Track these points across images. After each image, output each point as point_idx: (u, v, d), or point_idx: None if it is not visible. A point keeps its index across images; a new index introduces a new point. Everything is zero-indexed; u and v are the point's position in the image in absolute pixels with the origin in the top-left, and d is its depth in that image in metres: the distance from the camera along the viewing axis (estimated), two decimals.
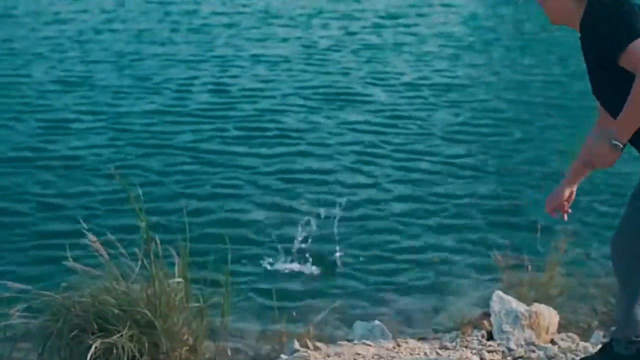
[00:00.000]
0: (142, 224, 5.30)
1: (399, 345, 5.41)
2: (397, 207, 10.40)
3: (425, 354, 5.28)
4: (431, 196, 10.68)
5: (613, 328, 4.59)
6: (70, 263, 5.81)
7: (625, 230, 4.21)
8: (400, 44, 18.43)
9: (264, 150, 12.13)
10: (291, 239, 9.32)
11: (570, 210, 4.54)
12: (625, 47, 3.64)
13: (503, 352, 5.38)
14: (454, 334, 5.85)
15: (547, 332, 5.77)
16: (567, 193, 4.59)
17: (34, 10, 20.10)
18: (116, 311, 5.18)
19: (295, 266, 8.83)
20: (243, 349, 6.07)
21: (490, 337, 5.68)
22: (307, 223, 9.72)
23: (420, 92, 15.00)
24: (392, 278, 8.66)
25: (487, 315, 5.90)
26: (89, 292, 5.36)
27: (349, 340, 5.66)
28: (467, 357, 5.17)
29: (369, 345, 5.35)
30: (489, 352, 5.34)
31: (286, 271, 8.75)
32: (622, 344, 4.31)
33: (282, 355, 5.39)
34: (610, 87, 3.93)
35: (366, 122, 13.37)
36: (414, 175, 11.31)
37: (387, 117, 13.60)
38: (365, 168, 11.55)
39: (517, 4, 20.69)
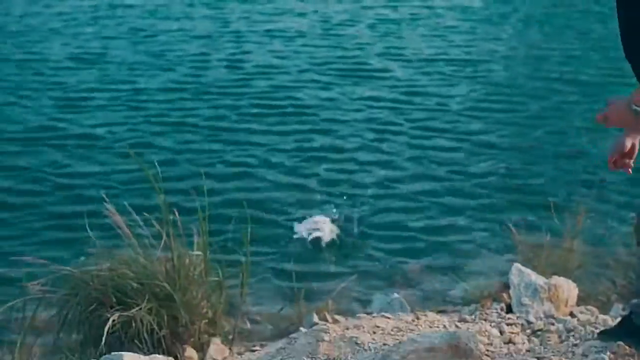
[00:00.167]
0: (161, 197, 5.28)
1: (418, 318, 5.40)
2: (414, 182, 10.37)
3: (445, 326, 5.27)
4: (448, 172, 10.64)
5: (633, 301, 4.54)
6: (90, 235, 5.83)
7: None
8: (416, 18, 18.33)
9: (279, 127, 12.10)
10: (308, 215, 9.33)
11: (632, 165, 4.23)
12: None
13: (522, 324, 5.36)
14: (472, 306, 5.84)
15: (566, 305, 5.74)
16: (628, 144, 4.13)
17: None
18: (135, 284, 5.18)
19: (314, 239, 8.83)
20: (262, 322, 6.08)
21: (509, 310, 5.67)
22: (325, 199, 9.72)
23: (436, 67, 14.93)
24: (409, 252, 8.66)
25: (506, 288, 5.88)
26: (108, 266, 5.36)
27: (367, 314, 5.66)
28: (486, 330, 5.15)
29: (388, 318, 5.34)
30: (508, 324, 5.32)
31: (304, 246, 8.76)
32: None
33: (301, 328, 5.40)
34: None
35: (382, 98, 13.31)
36: (431, 151, 11.27)
37: (403, 93, 13.54)
38: (382, 144, 11.51)
39: None
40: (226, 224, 8.31)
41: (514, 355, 4.75)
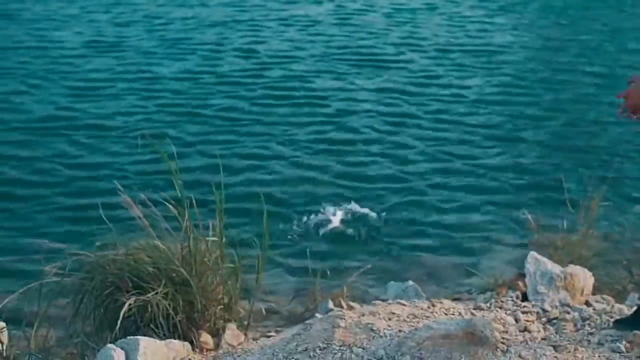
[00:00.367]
0: (178, 181, 5.29)
1: (433, 305, 5.40)
2: (429, 173, 10.37)
3: (460, 314, 5.26)
4: (463, 162, 10.62)
5: None
6: (104, 222, 5.84)
7: None
8: (433, 7, 18.29)
9: (293, 117, 12.09)
10: (323, 204, 9.33)
11: None
12: None
13: (538, 313, 5.36)
14: (488, 294, 5.84)
15: (581, 294, 5.74)
16: None
17: None
18: (151, 269, 5.18)
19: (328, 228, 8.84)
20: (277, 308, 6.09)
21: (524, 298, 5.67)
22: (339, 188, 9.72)
23: (452, 57, 14.89)
24: (424, 240, 8.67)
25: (521, 276, 5.87)
26: (124, 251, 5.37)
27: (383, 301, 5.66)
28: (501, 318, 5.15)
29: (404, 305, 5.34)
30: (523, 313, 5.32)
31: (319, 233, 8.77)
32: None
33: (317, 315, 5.40)
34: None
35: (396, 88, 13.29)
36: (445, 142, 11.25)
37: (418, 83, 13.51)
38: (396, 135, 11.50)
39: None
40: (242, 211, 8.34)
41: (530, 343, 4.75)
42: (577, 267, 5.86)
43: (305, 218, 9.07)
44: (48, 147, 11.03)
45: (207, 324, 5.31)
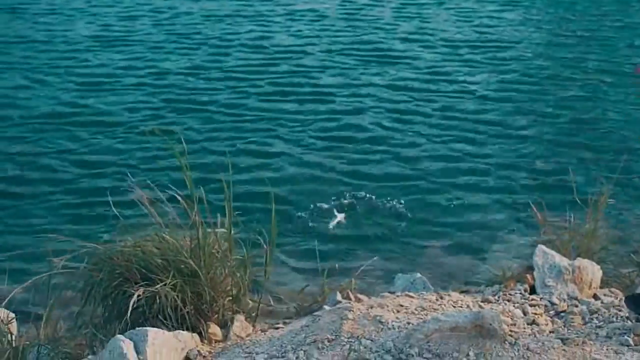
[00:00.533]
0: (187, 173, 5.30)
1: (441, 298, 5.40)
2: (436, 167, 10.37)
3: (468, 306, 5.27)
4: (470, 157, 10.62)
5: None
6: (113, 214, 5.87)
7: None
8: (440, 1, 18.26)
9: (300, 111, 12.09)
10: (330, 197, 9.34)
11: None
12: None
13: (546, 306, 5.35)
14: (496, 287, 5.83)
15: (590, 287, 5.73)
16: None
17: None
18: (159, 261, 5.19)
19: (336, 222, 8.85)
20: (285, 300, 6.09)
21: (532, 291, 5.66)
22: (347, 181, 9.73)
23: (460, 51, 14.87)
24: (432, 233, 8.68)
25: (529, 269, 5.86)
26: (132, 242, 5.38)
27: (391, 293, 5.66)
28: (509, 311, 5.15)
29: (412, 297, 5.35)
30: (531, 305, 5.32)
31: (327, 226, 8.78)
32: None
33: (325, 306, 5.41)
34: None
35: (403, 81, 13.28)
36: (453, 137, 11.24)
37: (425, 78, 13.49)
38: (404, 129, 11.49)
39: None
40: (250, 205, 8.35)
41: (538, 336, 4.75)
42: (585, 260, 5.85)
43: (312, 212, 9.08)
44: (54, 142, 11.05)
45: (216, 316, 5.32)
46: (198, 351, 4.93)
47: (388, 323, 4.80)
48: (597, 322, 5.01)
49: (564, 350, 4.51)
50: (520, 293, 5.61)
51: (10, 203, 9.48)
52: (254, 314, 5.51)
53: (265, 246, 5.62)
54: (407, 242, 8.46)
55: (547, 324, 5.00)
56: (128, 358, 4.49)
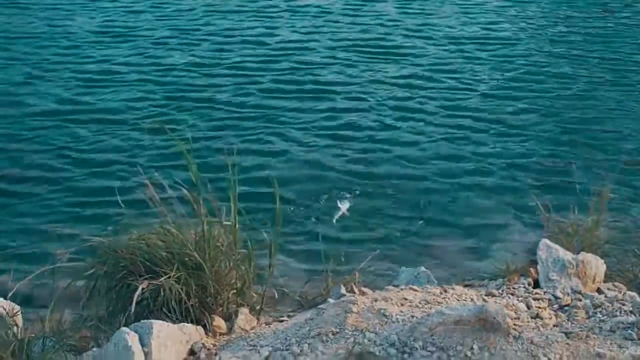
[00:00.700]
0: (192, 167, 5.31)
1: (445, 291, 5.41)
2: (439, 162, 10.35)
3: (472, 300, 5.28)
4: (473, 152, 10.60)
5: None
6: (118, 208, 5.89)
7: None
8: None
9: (303, 105, 12.07)
10: (333, 191, 9.34)
11: None
12: None
13: (549, 300, 5.36)
14: (499, 281, 5.84)
15: (593, 281, 5.74)
16: None
17: None
18: (164, 253, 5.21)
19: (339, 216, 8.84)
20: (290, 293, 6.10)
21: (536, 285, 5.67)
22: (349, 176, 9.72)
23: (462, 46, 14.85)
24: (435, 227, 8.67)
25: (533, 263, 5.87)
26: (137, 235, 5.39)
27: (395, 286, 5.67)
28: (513, 305, 5.16)
29: (416, 291, 5.36)
30: (535, 299, 5.33)
31: (330, 220, 8.77)
32: None
33: (330, 300, 5.42)
34: None
35: (406, 77, 13.26)
36: (456, 131, 11.23)
37: (427, 73, 13.46)
38: (406, 124, 11.46)
39: None
40: (253, 200, 8.34)
41: (541, 329, 4.76)
42: (589, 254, 5.86)
43: (315, 206, 9.07)
44: (55, 139, 11.02)
45: (220, 309, 5.34)
46: (203, 344, 4.94)
47: (392, 316, 4.81)
48: (600, 316, 5.02)
49: (567, 344, 4.52)
50: (524, 287, 5.62)
51: (13, 199, 9.47)
52: (258, 307, 5.53)
53: (269, 240, 5.63)
54: (410, 236, 8.45)
55: (550, 318, 5.01)
56: (133, 351, 4.51)
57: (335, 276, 6.18)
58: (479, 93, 12.62)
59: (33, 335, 5.01)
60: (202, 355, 4.84)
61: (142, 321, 4.75)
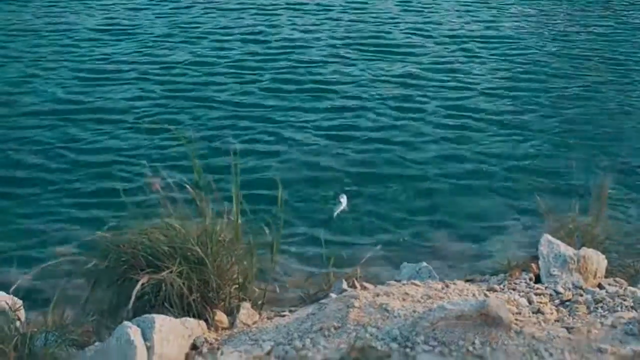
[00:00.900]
0: (195, 161, 5.32)
1: (447, 286, 5.42)
2: (440, 157, 10.38)
3: (474, 295, 5.29)
4: (473, 149, 10.62)
5: None
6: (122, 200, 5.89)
7: None
8: None
9: (304, 102, 12.06)
10: (334, 187, 9.35)
11: None
12: None
13: (551, 295, 5.37)
14: (501, 276, 5.85)
15: (594, 277, 5.75)
16: None
17: None
18: (166, 248, 5.21)
19: (340, 211, 8.84)
20: (291, 288, 6.12)
21: (538, 280, 5.68)
22: (350, 171, 9.72)
23: (463, 44, 14.85)
24: (437, 223, 8.68)
25: (535, 258, 5.88)
26: (139, 230, 5.40)
27: (397, 281, 5.68)
28: (514, 300, 5.17)
29: (418, 286, 5.37)
30: (536, 294, 5.34)
31: (332, 216, 8.77)
32: None
33: (331, 294, 5.43)
34: None
35: (407, 75, 13.25)
36: (456, 128, 11.24)
37: (428, 70, 13.45)
38: (406, 122, 11.45)
39: None
40: (254, 195, 8.34)
41: (543, 324, 4.77)
42: (590, 249, 5.87)
43: (317, 202, 9.08)
44: (55, 135, 11.01)
45: (222, 303, 5.35)
46: (205, 338, 4.95)
47: (394, 311, 4.82)
48: (602, 311, 5.03)
49: (569, 339, 4.52)
50: (526, 282, 5.63)
51: (14, 197, 9.47)
52: (260, 302, 5.54)
53: (271, 235, 5.64)
54: (412, 231, 8.46)
55: (552, 313, 5.02)
56: (135, 345, 4.51)
57: (336, 271, 6.19)
58: (479, 91, 12.62)
59: (35, 329, 5.02)
60: (204, 349, 4.84)
61: (144, 315, 4.75)
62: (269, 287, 5.64)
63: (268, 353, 4.61)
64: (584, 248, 5.88)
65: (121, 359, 4.49)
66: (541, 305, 5.13)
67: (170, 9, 16.96)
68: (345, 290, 5.51)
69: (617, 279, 5.89)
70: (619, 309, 5.02)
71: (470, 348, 4.39)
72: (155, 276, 5.07)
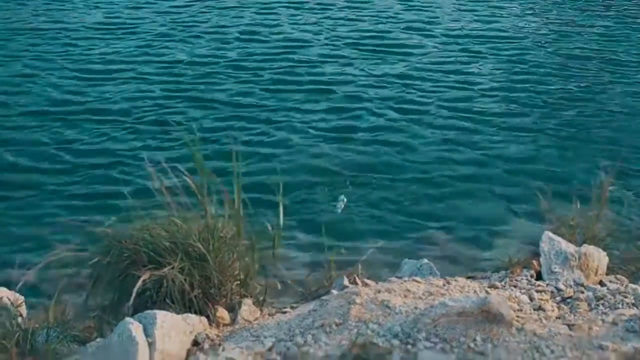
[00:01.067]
0: (198, 157, 5.32)
1: (448, 283, 5.42)
2: (441, 154, 10.44)
3: (475, 292, 5.29)
4: (475, 145, 10.71)
5: None
6: (121, 201, 5.89)
7: None
8: None
9: (304, 100, 12.09)
10: (335, 184, 9.36)
11: None
12: None
13: (552, 292, 5.37)
14: (502, 273, 5.85)
15: (596, 274, 5.75)
16: None
17: None
18: (167, 244, 5.21)
19: (341, 208, 8.85)
20: (293, 285, 6.11)
21: (539, 277, 5.68)
22: (352, 169, 9.73)
23: (463, 43, 14.87)
24: (438, 220, 8.71)
25: (536, 255, 5.88)
26: (141, 226, 5.40)
27: (398, 278, 5.68)
28: (516, 296, 5.18)
29: (419, 282, 5.37)
30: (537, 291, 5.34)
31: (333, 213, 8.79)
32: None
33: (333, 291, 5.43)
34: None
35: (406, 75, 13.27)
36: (457, 126, 11.29)
37: (428, 68, 13.47)
38: (406, 119, 11.48)
39: None
40: (255, 192, 8.34)
41: (544, 321, 4.77)
42: (592, 246, 5.87)
43: (318, 199, 9.10)
44: (56, 133, 11.05)
45: (224, 299, 5.34)
46: (206, 335, 4.95)
47: (395, 308, 4.82)
48: (603, 308, 5.03)
49: (570, 336, 4.52)
50: (527, 279, 5.63)
51: (18, 192, 9.49)
52: (261, 298, 5.54)
53: (272, 231, 5.64)
54: (413, 228, 8.50)
55: (553, 310, 5.02)
56: (137, 341, 4.50)
57: (337, 268, 6.19)
58: (479, 90, 12.63)
59: (37, 325, 5.02)
60: (206, 345, 4.84)
61: (146, 311, 4.75)
62: (270, 283, 5.64)
63: (269, 349, 4.61)
64: (585, 245, 5.88)
65: (123, 355, 4.49)
66: (542, 302, 5.13)
67: (169, 7, 16.95)
68: (347, 286, 5.50)
69: (618, 276, 5.89)
70: (620, 306, 5.02)
71: (472, 345, 4.39)
72: (157, 272, 5.07)
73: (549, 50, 14.70)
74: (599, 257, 5.78)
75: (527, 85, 12.89)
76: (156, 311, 4.72)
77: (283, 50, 14.32)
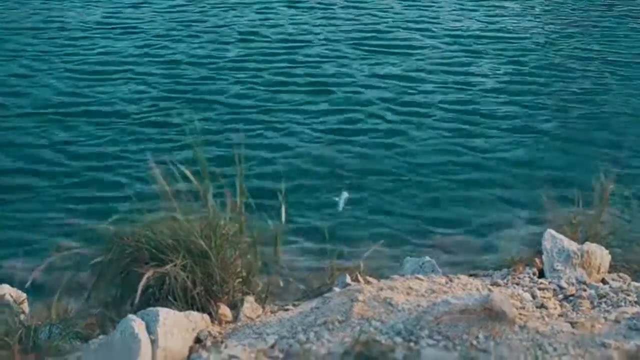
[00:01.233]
0: (200, 155, 5.32)
1: (451, 281, 5.43)
2: (442, 153, 10.44)
3: (477, 289, 5.29)
4: (478, 145, 10.67)
5: None
6: (121, 199, 5.89)
7: None
8: None
9: (304, 101, 12.07)
10: (337, 183, 9.36)
11: None
12: None
13: (554, 290, 5.38)
14: (504, 271, 5.85)
15: (598, 272, 5.76)
16: None
17: None
18: (170, 241, 5.21)
19: (344, 207, 8.85)
20: (295, 282, 6.11)
21: (541, 275, 5.69)
22: (353, 168, 9.73)
23: (464, 42, 14.84)
24: (440, 218, 8.71)
25: (538, 253, 5.89)
26: (143, 223, 5.40)
27: (400, 276, 5.68)
28: (518, 294, 5.18)
29: (422, 280, 5.37)
30: (540, 289, 5.35)
31: (335, 213, 8.78)
32: None
33: (335, 288, 5.43)
34: None
35: (408, 73, 13.25)
36: (458, 125, 11.28)
37: (430, 68, 13.45)
38: (407, 119, 11.46)
39: None
40: (256, 191, 8.33)
41: (547, 319, 4.77)
42: (594, 244, 5.88)
43: (320, 197, 9.09)
44: (56, 132, 11.04)
45: (226, 297, 5.34)
46: (208, 332, 4.95)
47: (398, 305, 4.82)
48: (605, 306, 5.04)
49: (572, 333, 4.53)
50: (529, 277, 5.64)
51: (18, 193, 9.49)
52: (263, 296, 5.54)
53: (274, 229, 5.64)
54: (415, 226, 8.50)
55: (555, 308, 5.02)
56: (139, 338, 4.50)
57: (339, 265, 6.19)
58: (480, 89, 12.62)
59: (39, 322, 5.03)
60: (208, 343, 4.84)
61: (148, 308, 4.75)
62: (272, 281, 5.64)
63: (272, 346, 4.61)
64: (587, 243, 5.88)
65: (125, 352, 4.49)
66: (545, 300, 5.13)
67: (169, 7, 16.92)
68: (349, 284, 5.51)
69: (621, 274, 5.89)
70: (622, 304, 5.03)
71: (474, 342, 4.39)
72: (159, 269, 5.07)
73: (550, 50, 14.69)
74: (601, 255, 5.79)
75: (528, 86, 12.87)
76: (159, 308, 4.72)
77: (283, 51, 14.30)
